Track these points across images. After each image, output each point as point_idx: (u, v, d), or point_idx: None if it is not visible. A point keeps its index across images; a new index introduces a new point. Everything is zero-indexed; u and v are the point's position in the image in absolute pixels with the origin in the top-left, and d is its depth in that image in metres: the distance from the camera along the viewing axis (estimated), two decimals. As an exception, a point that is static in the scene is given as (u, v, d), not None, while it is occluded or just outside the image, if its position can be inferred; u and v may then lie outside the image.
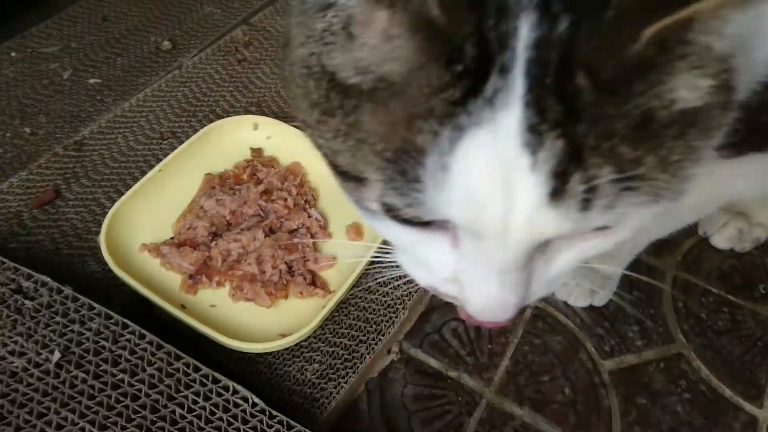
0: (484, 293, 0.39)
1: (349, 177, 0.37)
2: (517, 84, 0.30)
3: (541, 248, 0.38)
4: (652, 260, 0.84)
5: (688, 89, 0.32)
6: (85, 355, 0.59)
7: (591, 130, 0.31)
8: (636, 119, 0.31)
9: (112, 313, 0.62)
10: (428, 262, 0.41)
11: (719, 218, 0.86)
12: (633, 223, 0.36)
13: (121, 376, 0.59)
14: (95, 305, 0.63)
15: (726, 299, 0.81)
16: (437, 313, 0.78)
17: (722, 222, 0.86)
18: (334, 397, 0.67)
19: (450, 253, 0.39)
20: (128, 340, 0.61)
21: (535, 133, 0.30)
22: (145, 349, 0.61)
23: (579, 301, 0.79)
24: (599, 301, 0.79)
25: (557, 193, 0.31)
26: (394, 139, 0.33)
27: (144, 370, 0.59)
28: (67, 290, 0.64)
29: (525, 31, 0.29)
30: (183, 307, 0.70)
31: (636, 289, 0.82)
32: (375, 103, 0.33)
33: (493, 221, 0.33)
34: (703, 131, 0.35)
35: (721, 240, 0.86)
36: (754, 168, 0.53)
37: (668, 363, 0.75)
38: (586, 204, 0.32)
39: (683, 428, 0.70)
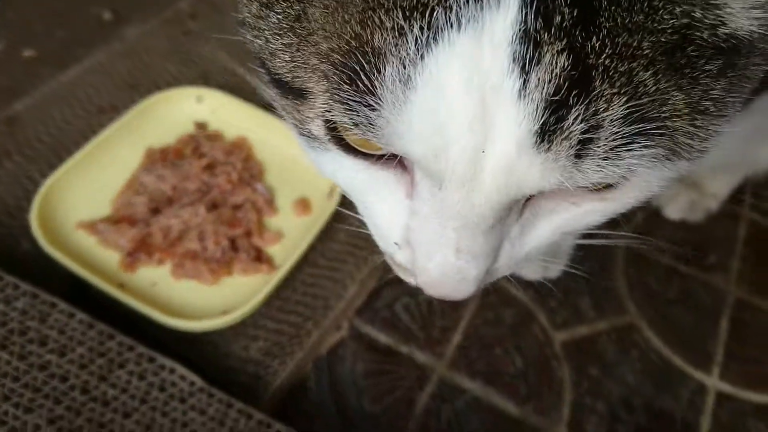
0: (438, 260, 0.31)
1: (288, 90, 0.29)
2: None
3: (516, 209, 0.30)
4: (604, 230, 0.84)
5: (741, 10, 0.24)
6: (10, 335, 0.56)
7: (608, 46, 0.22)
8: (670, 37, 0.23)
9: (39, 292, 0.59)
10: (377, 219, 0.34)
11: (671, 189, 0.86)
12: (638, 187, 0.28)
13: (48, 356, 0.56)
14: (21, 284, 0.59)
15: (677, 270, 0.82)
16: (389, 288, 0.76)
17: (674, 192, 0.86)
18: (279, 374, 0.65)
19: (402, 205, 0.31)
20: (57, 320, 0.58)
21: (531, 43, 0.22)
22: (75, 329, 0.58)
23: (532, 273, 0.78)
24: (552, 273, 0.78)
25: (548, 131, 0.23)
26: (344, 35, 0.25)
27: (74, 350, 0.56)
28: (-9, 269, 0.60)
29: None
30: (121, 286, 0.67)
31: (588, 261, 0.81)
32: None
33: (461, 162, 0.25)
34: (743, 77, 0.27)
35: (674, 211, 0.86)
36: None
37: (620, 334, 0.75)
38: (584, 150, 0.24)
39: (633, 397, 0.70)
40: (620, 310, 0.77)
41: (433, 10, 0.23)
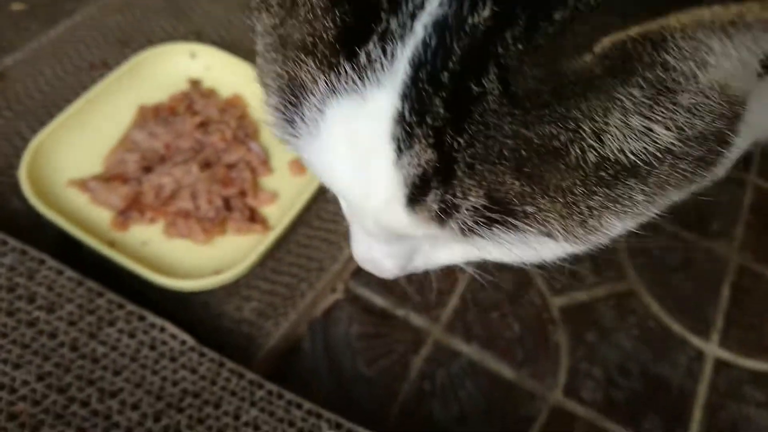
0: (360, 248, 0.37)
1: (263, 85, 0.31)
2: (401, 63, 0.23)
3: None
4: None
5: (638, 132, 0.24)
6: (-3, 292, 0.55)
7: (475, 146, 0.24)
8: (544, 149, 0.24)
9: (28, 248, 0.58)
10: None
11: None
12: (532, 247, 0.28)
13: (37, 313, 0.55)
14: (9, 240, 0.58)
15: (680, 236, 0.80)
16: (385, 251, 0.75)
17: (679, 158, 0.84)
18: (272, 335, 0.64)
19: None
20: (45, 276, 0.57)
21: (405, 131, 0.24)
22: (63, 286, 0.57)
23: (531, 238, 0.77)
24: (552, 237, 0.77)
25: (414, 200, 0.26)
26: (290, 62, 0.27)
27: (62, 307, 0.55)
28: (-23, 225, 0.59)
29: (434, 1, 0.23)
30: (112, 244, 0.66)
31: (590, 226, 0.80)
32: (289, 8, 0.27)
33: (350, 197, 0.29)
34: (651, 184, 0.27)
35: (678, 176, 0.84)
36: None
37: (619, 300, 0.74)
38: (445, 221, 0.26)
39: (630, 363, 0.69)
40: (620, 276, 0.76)
41: (334, 68, 0.25)
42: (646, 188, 0.27)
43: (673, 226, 0.81)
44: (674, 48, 0.21)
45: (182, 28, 0.89)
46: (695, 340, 0.71)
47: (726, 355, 0.70)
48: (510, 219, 0.26)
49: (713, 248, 0.79)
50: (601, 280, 0.75)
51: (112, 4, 0.91)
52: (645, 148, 0.25)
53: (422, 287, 0.73)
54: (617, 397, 0.67)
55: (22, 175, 0.67)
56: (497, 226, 0.26)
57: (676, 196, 0.31)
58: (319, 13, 0.25)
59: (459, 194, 0.25)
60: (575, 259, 0.77)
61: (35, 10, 0.90)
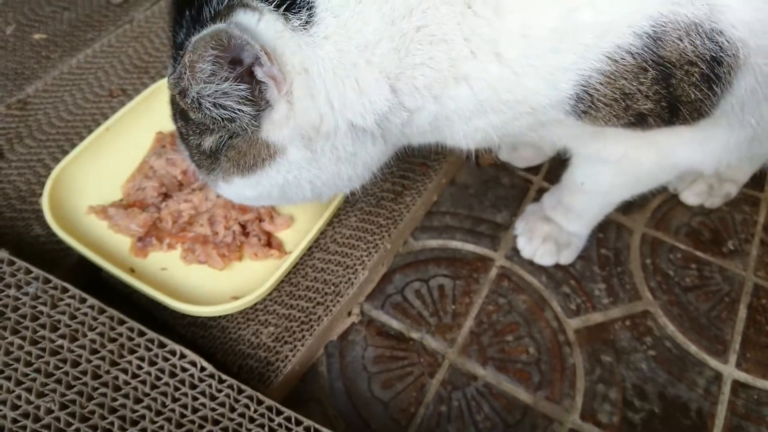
0: None
1: None
2: None
3: None
4: (621, 218, 0.83)
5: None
6: (22, 320, 0.56)
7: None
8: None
9: (50, 277, 0.59)
10: None
11: (689, 174, 0.84)
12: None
13: (60, 341, 0.56)
14: (33, 269, 0.59)
15: (694, 255, 0.80)
16: (399, 273, 0.76)
17: (692, 177, 0.84)
18: (290, 360, 0.65)
19: None
20: (68, 305, 0.58)
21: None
22: (86, 314, 0.58)
23: (545, 259, 0.77)
24: (565, 259, 0.77)
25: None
26: None
27: (85, 335, 0.56)
28: (2, 253, 0.60)
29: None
30: (132, 270, 0.67)
31: (603, 247, 0.80)
32: None
33: None
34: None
35: (691, 196, 0.84)
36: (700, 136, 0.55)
37: (634, 320, 0.74)
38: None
39: (647, 385, 0.69)
40: (635, 297, 0.76)
41: None
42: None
43: (686, 246, 0.81)
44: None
45: (198, 55, 0.91)
46: (713, 362, 0.71)
47: (744, 376, 0.70)
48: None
49: (727, 267, 0.79)
50: (616, 300, 0.75)
51: (130, 33, 0.93)
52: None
53: (436, 309, 0.73)
54: (635, 420, 0.66)
55: (45, 202, 0.69)
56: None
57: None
58: None
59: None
60: (589, 279, 0.77)
61: (56, 39, 0.92)
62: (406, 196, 0.78)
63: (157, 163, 0.74)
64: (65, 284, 0.59)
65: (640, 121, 0.49)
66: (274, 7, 0.45)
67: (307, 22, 0.45)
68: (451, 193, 0.84)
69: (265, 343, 0.65)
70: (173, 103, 0.53)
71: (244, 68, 0.45)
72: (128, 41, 0.92)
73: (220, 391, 0.56)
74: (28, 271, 0.60)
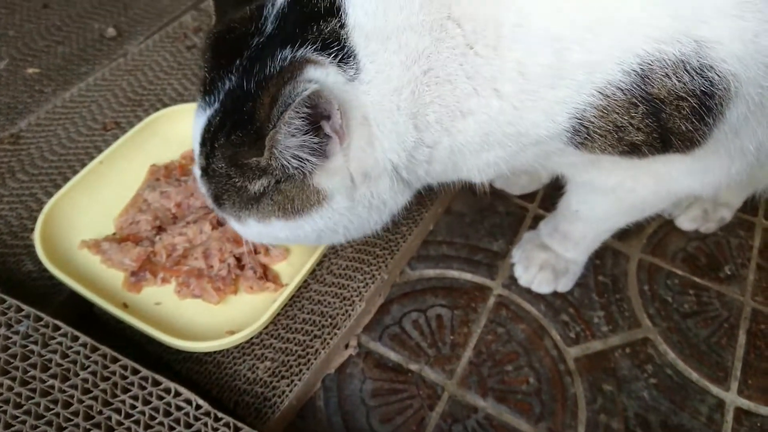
0: None
1: None
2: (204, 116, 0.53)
3: None
4: (617, 244, 0.83)
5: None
6: (12, 360, 0.55)
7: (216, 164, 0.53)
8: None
9: (42, 315, 0.58)
10: None
11: (685, 199, 0.84)
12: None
13: (51, 381, 0.54)
14: (23, 306, 0.58)
15: (691, 281, 0.80)
16: (397, 304, 0.75)
17: (687, 203, 0.84)
18: (287, 395, 0.63)
19: None
20: (60, 343, 0.57)
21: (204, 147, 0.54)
22: (78, 352, 0.56)
23: (543, 287, 0.76)
24: (563, 286, 0.77)
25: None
26: None
27: (77, 375, 0.55)
28: (-8, 291, 0.59)
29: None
30: (125, 306, 0.66)
31: (601, 274, 0.80)
32: None
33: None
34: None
35: (686, 221, 0.84)
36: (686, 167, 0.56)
37: (634, 348, 0.73)
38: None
39: (649, 414, 0.68)
40: (634, 324, 0.75)
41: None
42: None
43: (683, 271, 0.81)
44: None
45: (193, 88, 0.91)
46: (714, 389, 0.70)
47: (747, 403, 0.69)
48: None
49: (725, 293, 0.79)
50: (615, 328, 0.75)
51: (123, 66, 0.93)
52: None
53: (435, 340, 0.72)
54: (638, 450, 0.65)
55: (37, 237, 0.68)
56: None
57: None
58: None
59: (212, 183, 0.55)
60: (588, 307, 0.77)
61: (49, 73, 0.92)
62: (402, 225, 0.78)
63: (151, 196, 0.73)
64: (57, 322, 0.58)
65: (634, 150, 0.49)
66: (332, 59, 0.47)
67: (356, 71, 0.48)
68: (446, 222, 0.84)
69: (261, 378, 0.64)
70: (214, 150, 0.52)
71: (315, 121, 0.47)
72: (122, 74, 0.92)
73: (216, 429, 0.55)
74: (19, 309, 0.58)
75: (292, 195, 0.52)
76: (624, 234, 0.82)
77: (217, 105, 0.51)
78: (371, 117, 0.49)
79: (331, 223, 0.55)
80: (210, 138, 0.51)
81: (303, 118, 0.46)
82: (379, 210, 0.56)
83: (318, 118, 0.47)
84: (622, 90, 0.45)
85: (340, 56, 0.48)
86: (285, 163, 0.48)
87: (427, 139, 0.51)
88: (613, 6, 0.44)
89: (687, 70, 0.44)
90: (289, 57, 0.48)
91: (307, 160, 0.49)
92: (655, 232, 0.85)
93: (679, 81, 0.44)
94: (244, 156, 0.49)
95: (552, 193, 0.83)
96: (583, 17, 0.44)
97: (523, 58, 0.46)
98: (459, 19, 0.46)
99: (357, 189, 0.53)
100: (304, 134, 0.47)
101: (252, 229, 0.56)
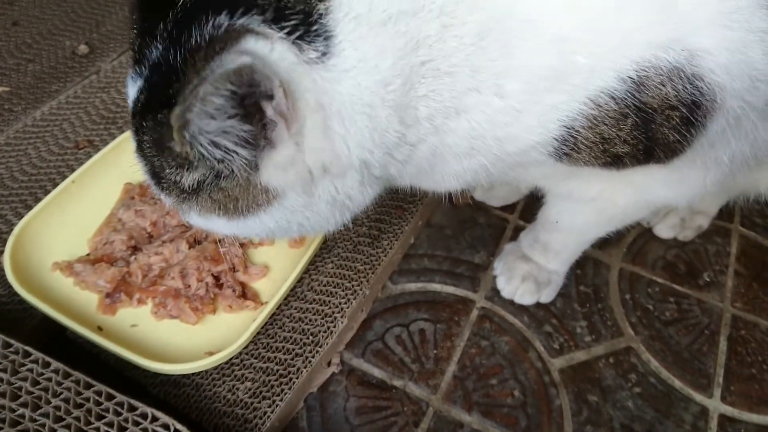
0: None
1: None
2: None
3: None
4: (597, 253, 0.83)
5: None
6: (-20, 389, 0.53)
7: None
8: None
9: (11, 341, 0.56)
10: None
11: (662, 208, 0.85)
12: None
13: (21, 411, 0.52)
14: (-8, 333, 0.56)
15: (672, 289, 0.80)
16: (379, 319, 0.74)
17: (665, 211, 0.85)
18: (268, 416, 0.62)
19: None
20: (30, 370, 0.55)
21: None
22: (50, 379, 0.54)
23: (525, 298, 0.76)
24: (546, 297, 0.77)
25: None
26: None
27: (48, 402, 0.53)
28: (-41, 318, 0.57)
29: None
30: (100, 329, 0.64)
31: (582, 283, 0.80)
32: None
33: None
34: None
35: (664, 229, 0.85)
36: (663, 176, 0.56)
37: (617, 357, 0.73)
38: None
39: (635, 424, 0.68)
40: (617, 333, 0.75)
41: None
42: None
43: (663, 279, 0.81)
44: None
45: (167, 104, 0.90)
46: (698, 396, 0.70)
47: (730, 410, 0.69)
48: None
49: (705, 300, 0.79)
50: (598, 337, 0.75)
51: (96, 84, 0.92)
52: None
53: (418, 355, 0.71)
54: (625, 461, 0.65)
55: (6, 260, 0.66)
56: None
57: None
58: None
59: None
60: (570, 317, 0.76)
61: (19, 92, 0.90)
62: (383, 239, 0.77)
63: (126, 215, 0.72)
64: (27, 348, 0.56)
65: (616, 161, 0.49)
66: (284, 34, 0.40)
67: (324, 54, 0.41)
68: (428, 235, 0.84)
69: (242, 400, 0.63)
70: (142, 129, 0.45)
71: (251, 104, 0.40)
72: (95, 92, 0.90)
73: (195, 454, 0.53)
74: (-12, 336, 0.56)
75: (234, 195, 0.45)
76: (604, 243, 0.82)
77: (143, 78, 0.43)
78: (331, 107, 0.43)
79: (284, 221, 0.48)
80: (139, 114, 0.44)
81: (227, 97, 0.38)
82: (343, 206, 0.50)
83: (257, 99, 0.40)
84: (614, 99, 0.44)
85: (299, 33, 0.40)
86: (203, 151, 0.41)
87: (411, 137, 0.47)
88: (614, 7, 0.43)
89: (681, 78, 0.43)
90: (225, 25, 0.40)
91: (236, 152, 0.42)
92: (634, 241, 0.85)
93: (673, 89, 0.43)
94: (168, 140, 0.42)
95: (532, 203, 0.83)
96: (588, 18, 0.43)
97: (529, 57, 0.43)
98: (471, 5, 0.42)
99: (317, 183, 0.46)
100: (230, 118, 0.39)
101: (195, 221, 0.50)
